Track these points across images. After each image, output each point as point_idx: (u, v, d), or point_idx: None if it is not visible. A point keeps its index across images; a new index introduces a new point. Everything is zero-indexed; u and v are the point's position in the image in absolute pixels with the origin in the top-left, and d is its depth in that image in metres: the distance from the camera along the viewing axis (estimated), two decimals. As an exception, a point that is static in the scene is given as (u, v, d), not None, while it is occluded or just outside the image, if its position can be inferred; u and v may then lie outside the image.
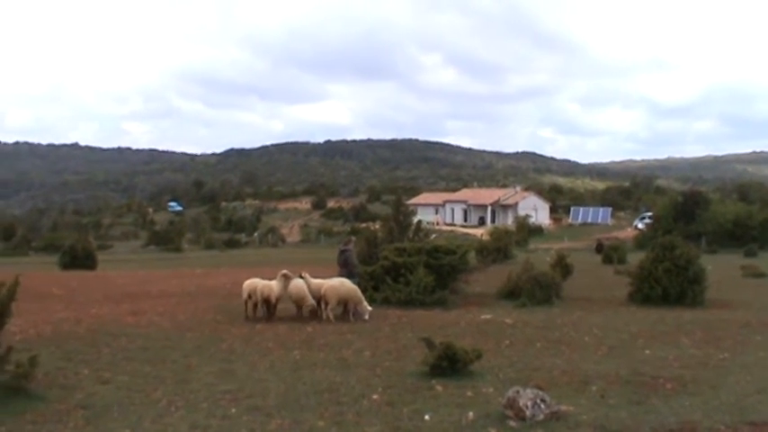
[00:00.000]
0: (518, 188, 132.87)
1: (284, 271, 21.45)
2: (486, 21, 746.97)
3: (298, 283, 21.41)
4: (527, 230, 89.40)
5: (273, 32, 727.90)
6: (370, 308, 21.70)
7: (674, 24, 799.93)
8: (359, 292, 21.87)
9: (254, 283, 21.37)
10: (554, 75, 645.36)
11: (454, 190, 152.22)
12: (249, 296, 21.22)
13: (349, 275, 23.68)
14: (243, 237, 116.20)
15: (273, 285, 21.07)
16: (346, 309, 21.55)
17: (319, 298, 21.13)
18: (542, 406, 9.88)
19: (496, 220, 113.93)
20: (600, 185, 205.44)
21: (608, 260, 49.52)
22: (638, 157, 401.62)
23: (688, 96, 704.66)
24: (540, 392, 10.20)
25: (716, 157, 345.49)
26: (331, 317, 20.90)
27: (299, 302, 21.50)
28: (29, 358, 11.29)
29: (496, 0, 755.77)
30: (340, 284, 21.61)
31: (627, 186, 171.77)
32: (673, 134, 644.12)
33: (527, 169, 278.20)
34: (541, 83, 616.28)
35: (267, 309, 21.28)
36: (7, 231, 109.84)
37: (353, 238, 27.45)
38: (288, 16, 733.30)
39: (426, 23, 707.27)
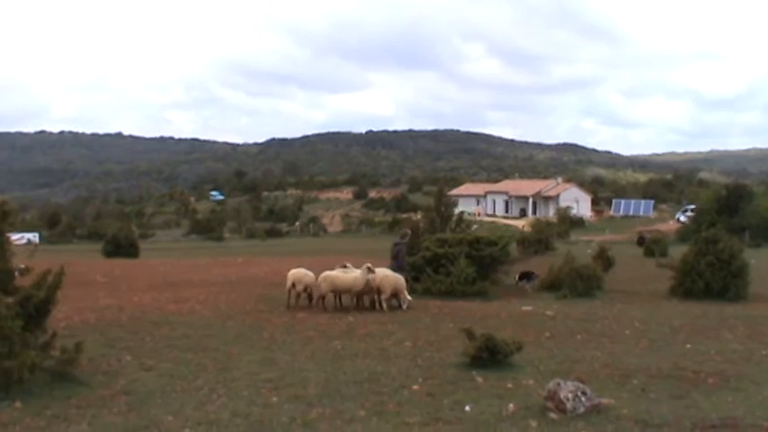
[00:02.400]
0: (559, 180, 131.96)
1: (368, 264, 21.63)
2: (529, 10, 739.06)
3: (381, 273, 21.68)
4: (568, 222, 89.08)
5: (315, 21, 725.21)
6: (410, 298, 21.84)
7: (721, 15, 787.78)
8: (404, 282, 22.12)
9: (299, 273, 21.57)
10: (598, 65, 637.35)
11: (496, 181, 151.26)
12: (293, 285, 21.38)
13: (398, 268, 23.75)
14: (284, 226, 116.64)
15: (358, 276, 21.28)
16: (377, 298, 21.71)
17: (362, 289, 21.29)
18: (583, 399, 9.85)
19: (538, 212, 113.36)
20: (642, 177, 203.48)
21: (650, 253, 49.11)
22: (681, 150, 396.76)
23: (733, 88, 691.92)
24: (581, 385, 10.17)
25: (761, 150, 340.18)
26: (385, 307, 21.17)
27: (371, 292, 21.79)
28: (74, 344, 11.46)
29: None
30: (392, 275, 21.93)
31: (669, 179, 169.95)
32: (717, 126, 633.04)
33: (568, 161, 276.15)
34: (585, 73, 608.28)
35: (308, 298, 21.61)
36: (52, 219, 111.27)
37: (409, 232, 27.38)
38: (329, 5, 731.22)
39: (469, 13, 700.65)
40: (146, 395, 10.79)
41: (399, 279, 21.94)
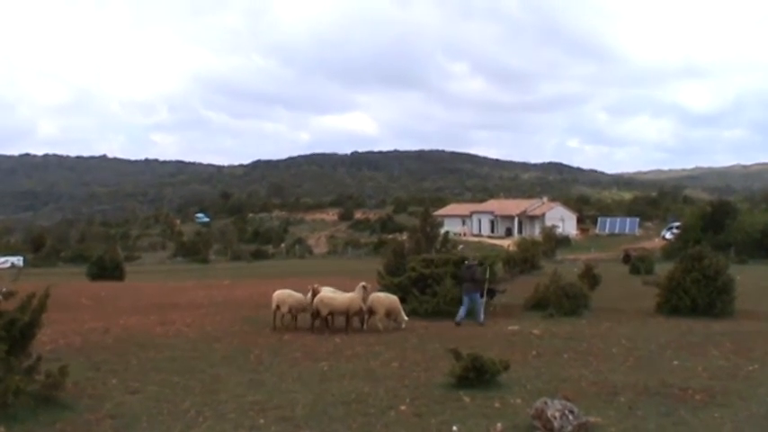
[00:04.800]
0: (545, 199, 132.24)
1: (363, 283, 21.78)
2: (516, 28, 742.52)
3: (374, 295, 22.10)
4: (554, 241, 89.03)
5: (300, 41, 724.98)
6: (406, 318, 22.09)
7: (707, 32, 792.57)
8: (399, 302, 22.39)
9: (283, 294, 21.56)
10: (584, 83, 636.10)
11: (481, 201, 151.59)
12: (278, 306, 21.37)
13: (475, 290, 24.25)
14: (270, 248, 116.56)
15: (354, 297, 21.36)
16: (366, 318, 21.87)
17: (346, 310, 21.32)
18: (570, 417, 9.84)
19: (523, 231, 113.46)
20: (627, 196, 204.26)
21: (635, 271, 49.23)
22: (665, 167, 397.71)
23: (718, 105, 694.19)
24: (568, 404, 10.17)
25: (745, 167, 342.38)
26: (380, 326, 21.34)
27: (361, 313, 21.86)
28: (59, 368, 11.38)
29: (527, 7, 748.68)
30: (384, 296, 22.16)
31: (654, 196, 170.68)
32: (702, 143, 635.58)
33: (554, 180, 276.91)
34: (571, 91, 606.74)
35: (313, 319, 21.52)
36: (37, 242, 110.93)
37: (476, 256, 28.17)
38: (314, 25, 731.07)
39: (455, 31, 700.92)
40: (132, 419, 10.72)
41: (393, 300, 22.17)
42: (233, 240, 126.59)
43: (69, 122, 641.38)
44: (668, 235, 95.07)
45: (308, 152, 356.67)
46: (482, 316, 24.03)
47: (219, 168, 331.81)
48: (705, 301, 25.34)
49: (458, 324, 23.13)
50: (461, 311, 23.88)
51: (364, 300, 21.39)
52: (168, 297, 34.01)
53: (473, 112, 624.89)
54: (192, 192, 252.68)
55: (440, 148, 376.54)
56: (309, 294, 21.69)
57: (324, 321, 21.20)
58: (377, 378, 13.85)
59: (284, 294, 21.80)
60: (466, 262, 25.73)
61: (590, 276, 33.53)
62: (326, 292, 21.72)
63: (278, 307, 21.46)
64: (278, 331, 20.84)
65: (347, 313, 21.27)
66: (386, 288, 25.42)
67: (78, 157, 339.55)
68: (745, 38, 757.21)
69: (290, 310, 21.65)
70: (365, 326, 21.59)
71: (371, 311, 21.52)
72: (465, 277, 24.72)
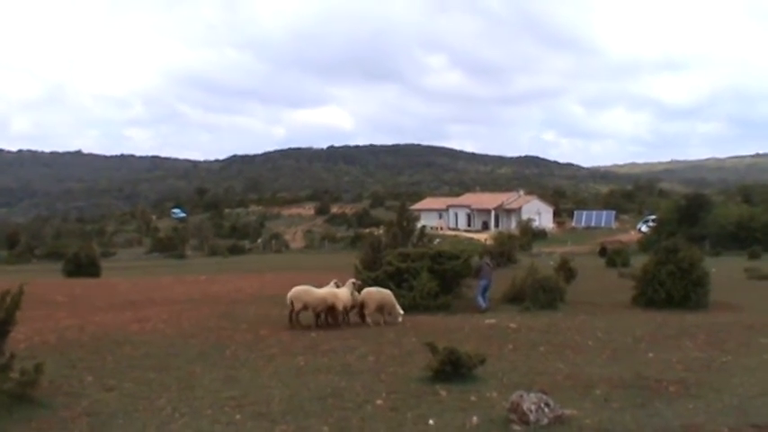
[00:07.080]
0: (521, 192, 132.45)
1: (353, 279, 21.91)
2: (493, 21, 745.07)
3: (366, 290, 22.05)
4: (531, 234, 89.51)
5: (275, 35, 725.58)
6: (402, 312, 22.13)
7: (684, 25, 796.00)
8: (393, 297, 22.36)
9: (298, 291, 20.95)
10: (561, 76, 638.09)
11: (457, 195, 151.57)
12: (291, 303, 20.85)
13: (488, 285, 26.99)
14: (246, 243, 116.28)
15: (343, 293, 21.20)
16: (357, 313, 21.91)
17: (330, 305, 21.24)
18: (546, 410, 9.89)
19: (500, 225, 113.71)
20: (603, 189, 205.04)
21: (611, 264, 49.50)
22: (641, 160, 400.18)
23: (694, 98, 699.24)
24: (544, 396, 10.21)
25: (720, 160, 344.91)
26: (370, 322, 21.27)
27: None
28: (34, 366, 11.30)
29: (504, 0, 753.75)
30: (375, 291, 22.11)
31: (630, 190, 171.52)
32: (677, 137, 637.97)
33: (530, 174, 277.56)
34: (547, 84, 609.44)
35: (325, 317, 21.29)
36: (11, 239, 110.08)
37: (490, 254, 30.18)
38: (290, 18, 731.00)
39: (432, 24, 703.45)
40: (108, 416, 10.68)
41: (385, 294, 22.10)
42: (209, 236, 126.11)
43: (43, 118, 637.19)
44: (644, 228, 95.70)
45: (283, 147, 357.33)
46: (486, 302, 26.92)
47: (195, 164, 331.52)
48: (680, 293, 25.55)
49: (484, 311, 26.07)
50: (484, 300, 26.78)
51: (352, 295, 21.40)
52: (144, 293, 33.89)
53: (449, 106, 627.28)
54: (168, 187, 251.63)
55: (416, 142, 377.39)
56: (349, 289, 21.49)
57: (316, 317, 21.12)
58: (353, 373, 13.85)
59: (299, 290, 21.20)
60: (484, 259, 28.59)
61: (566, 269, 33.75)
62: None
63: (291, 304, 20.89)
64: (255, 326, 20.73)
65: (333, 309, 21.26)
66: (363, 282, 25.40)
67: (53, 153, 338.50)
68: (721, 32, 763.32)
69: (304, 307, 21.00)
70: (367, 320, 21.57)
71: (362, 306, 21.51)
72: (481, 275, 27.10)
